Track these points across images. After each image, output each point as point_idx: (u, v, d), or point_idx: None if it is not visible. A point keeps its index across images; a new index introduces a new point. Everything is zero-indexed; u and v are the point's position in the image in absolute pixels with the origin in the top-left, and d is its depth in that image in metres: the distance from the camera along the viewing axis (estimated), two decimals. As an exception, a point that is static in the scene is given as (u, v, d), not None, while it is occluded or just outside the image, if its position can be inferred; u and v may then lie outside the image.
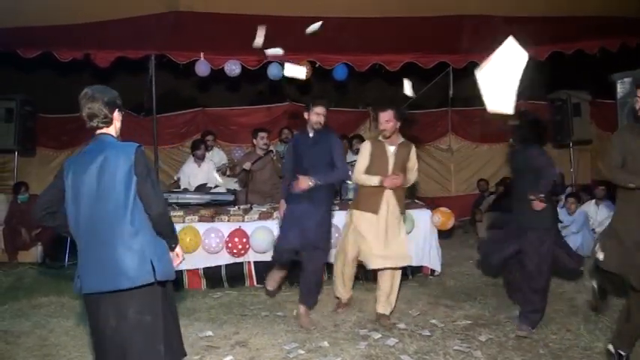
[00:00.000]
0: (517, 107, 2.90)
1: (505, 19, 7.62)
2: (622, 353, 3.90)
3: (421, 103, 11.56)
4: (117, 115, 3.22)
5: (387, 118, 5.02)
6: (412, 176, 5.25)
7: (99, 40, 7.78)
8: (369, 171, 5.11)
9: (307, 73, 8.81)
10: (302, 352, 4.44)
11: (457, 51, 8.89)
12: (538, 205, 4.72)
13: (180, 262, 3.40)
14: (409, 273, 6.65)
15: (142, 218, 3.03)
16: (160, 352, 3.07)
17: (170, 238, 3.22)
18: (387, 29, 7.85)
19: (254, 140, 7.40)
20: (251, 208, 6.58)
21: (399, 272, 5.27)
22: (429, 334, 4.78)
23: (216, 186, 7.43)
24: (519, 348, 4.46)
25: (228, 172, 8.40)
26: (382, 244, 5.05)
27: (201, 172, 7.80)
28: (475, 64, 9.36)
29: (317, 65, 8.84)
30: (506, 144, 10.97)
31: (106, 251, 2.95)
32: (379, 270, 5.16)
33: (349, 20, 7.55)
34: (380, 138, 5.17)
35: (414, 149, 5.22)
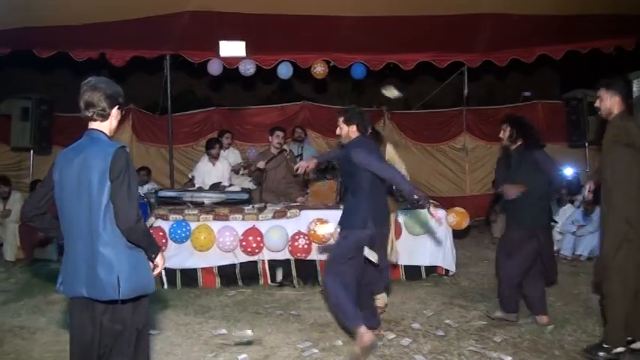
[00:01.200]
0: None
1: (520, 18, 7.58)
2: None
3: (435, 102, 11.57)
4: (115, 113, 3.01)
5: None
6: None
7: (114, 40, 7.84)
8: None
9: (322, 71, 8.85)
10: (316, 350, 4.44)
11: (472, 50, 8.86)
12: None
13: (159, 273, 3.15)
14: (423, 273, 6.64)
15: (115, 226, 2.83)
16: None
17: (148, 249, 2.97)
18: (401, 28, 7.84)
19: (269, 138, 7.41)
20: (265, 206, 6.59)
21: None
22: (443, 334, 4.76)
23: (230, 185, 7.45)
24: (534, 349, 4.43)
25: (242, 171, 8.43)
26: None
27: (216, 171, 7.82)
28: (490, 63, 9.41)
29: (332, 64, 8.85)
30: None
31: (80, 255, 2.84)
32: None
33: (364, 19, 7.56)
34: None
35: (388, 149, 5.11)
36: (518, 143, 4.99)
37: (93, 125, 2.96)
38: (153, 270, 3.03)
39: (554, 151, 10.43)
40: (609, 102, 4.17)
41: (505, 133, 5.02)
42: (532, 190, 4.81)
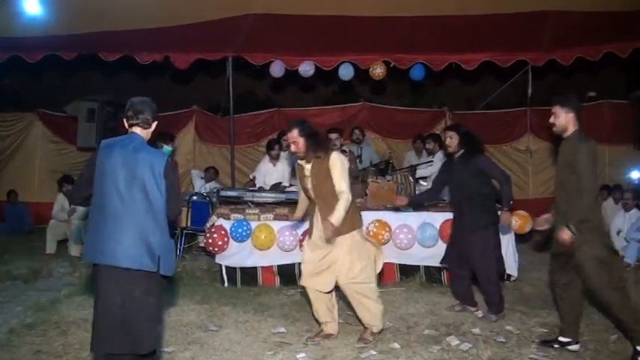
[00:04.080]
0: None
1: (585, 15, 7.33)
2: None
3: (498, 102, 11.34)
4: (153, 125, 3.61)
5: (293, 140, 4.50)
6: (339, 188, 4.44)
7: (178, 43, 8.04)
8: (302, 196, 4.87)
9: (382, 73, 8.82)
10: (374, 352, 4.43)
11: (536, 48, 8.65)
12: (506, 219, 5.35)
13: None
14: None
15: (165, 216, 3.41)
16: (159, 332, 3.50)
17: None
18: (463, 27, 7.73)
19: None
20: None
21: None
22: (504, 340, 4.66)
23: (290, 185, 7.52)
24: (597, 358, 4.30)
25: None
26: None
27: (276, 172, 7.91)
28: (554, 62, 9.15)
29: (392, 65, 8.80)
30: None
31: (128, 233, 3.30)
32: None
33: (425, 19, 7.49)
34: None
35: (333, 157, 4.48)
36: (462, 150, 5.30)
37: (136, 130, 3.56)
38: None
39: (620, 153, 10.12)
40: None
41: (452, 141, 5.33)
42: (476, 194, 5.18)
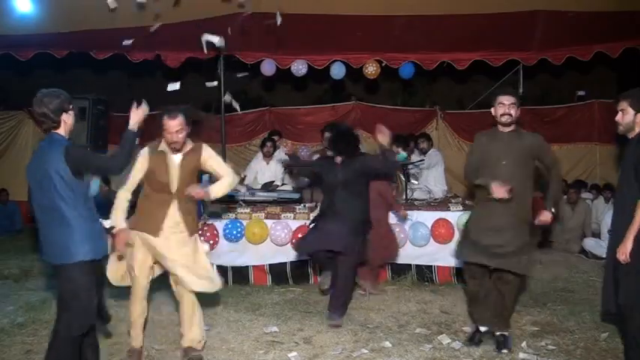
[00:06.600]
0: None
1: (576, 15, 7.37)
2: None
3: (489, 102, 11.35)
4: (65, 117, 3.52)
5: (177, 128, 4.06)
6: (222, 183, 4.34)
7: (169, 42, 8.01)
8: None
9: (374, 72, 8.83)
10: (365, 351, 4.44)
11: (528, 48, 8.66)
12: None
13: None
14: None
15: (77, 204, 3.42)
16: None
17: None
18: (454, 27, 7.74)
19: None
20: (316, 206, 6.61)
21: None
22: (495, 338, 4.69)
23: (283, 184, 7.52)
24: (588, 357, 4.32)
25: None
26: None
27: (269, 170, 7.93)
28: (545, 62, 9.17)
29: (384, 64, 8.81)
30: (577, 145, 10.70)
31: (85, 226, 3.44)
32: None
33: (416, 18, 7.49)
34: (161, 148, 4.20)
35: (205, 151, 4.31)
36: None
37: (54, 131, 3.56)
38: None
39: (610, 152, 10.17)
40: None
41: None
42: (357, 192, 5.18)
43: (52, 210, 3.37)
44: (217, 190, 4.31)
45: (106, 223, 3.93)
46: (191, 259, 4.19)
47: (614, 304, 3.80)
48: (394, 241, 6.19)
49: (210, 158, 4.32)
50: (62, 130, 3.51)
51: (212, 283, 4.25)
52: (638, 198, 3.66)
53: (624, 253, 3.66)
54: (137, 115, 3.77)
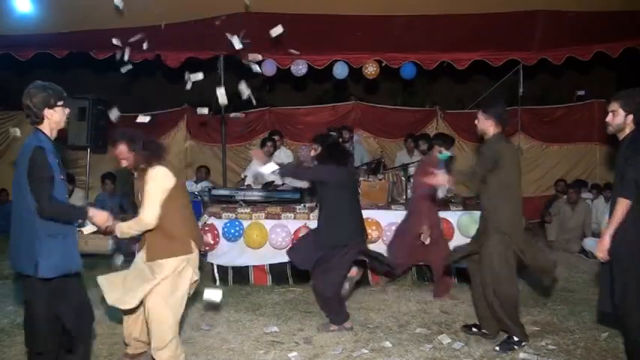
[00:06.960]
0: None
1: (576, 15, 7.37)
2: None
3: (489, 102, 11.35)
4: (49, 113, 3.36)
5: (120, 156, 3.89)
6: (146, 211, 3.79)
7: (169, 42, 8.01)
8: None
9: (374, 72, 8.83)
10: (366, 351, 4.44)
11: (528, 48, 8.67)
12: None
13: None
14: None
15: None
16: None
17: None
18: (454, 27, 7.75)
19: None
20: (316, 206, 6.61)
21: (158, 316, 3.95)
22: (495, 339, 4.68)
23: (283, 184, 7.52)
24: (588, 357, 4.33)
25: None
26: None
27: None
28: (545, 62, 9.16)
29: (384, 64, 8.81)
30: (577, 145, 10.71)
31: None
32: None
33: (416, 18, 7.49)
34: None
35: (151, 172, 3.80)
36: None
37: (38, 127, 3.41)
38: None
39: (610, 152, 10.17)
40: None
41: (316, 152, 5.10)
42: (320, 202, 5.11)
43: (19, 212, 3.33)
44: (124, 228, 3.84)
45: (86, 230, 3.79)
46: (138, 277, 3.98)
47: (610, 303, 3.79)
48: (442, 236, 6.11)
49: (146, 184, 3.80)
50: (46, 127, 3.37)
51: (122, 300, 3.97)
52: (619, 196, 3.69)
53: (602, 250, 3.70)
54: (101, 220, 3.62)
